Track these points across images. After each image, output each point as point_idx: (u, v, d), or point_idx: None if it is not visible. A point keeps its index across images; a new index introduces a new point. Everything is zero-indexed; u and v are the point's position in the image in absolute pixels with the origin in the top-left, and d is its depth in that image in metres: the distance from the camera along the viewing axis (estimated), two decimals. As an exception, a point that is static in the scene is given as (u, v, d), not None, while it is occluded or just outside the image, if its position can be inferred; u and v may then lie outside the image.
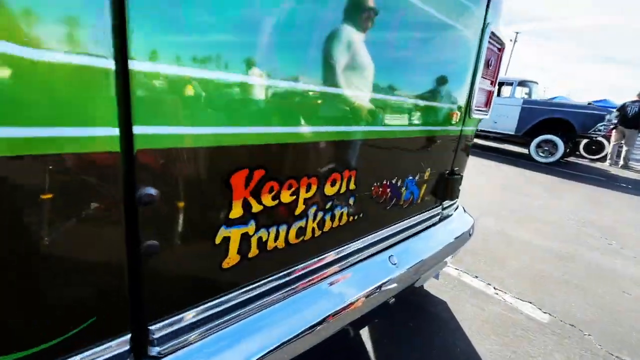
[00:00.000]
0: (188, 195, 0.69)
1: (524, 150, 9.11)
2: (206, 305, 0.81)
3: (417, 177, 1.42)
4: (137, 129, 0.57)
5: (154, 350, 0.75)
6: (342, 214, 1.10)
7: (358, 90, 0.98)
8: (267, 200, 0.85)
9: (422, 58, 1.23)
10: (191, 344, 0.80)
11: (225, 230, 0.78)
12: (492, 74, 1.74)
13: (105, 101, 0.52)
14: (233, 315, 0.87)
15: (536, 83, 8.96)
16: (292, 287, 1.01)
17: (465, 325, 2.05)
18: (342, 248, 1.17)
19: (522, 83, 8.66)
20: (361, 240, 1.25)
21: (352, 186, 1.09)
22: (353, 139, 1.04)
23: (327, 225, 1.07)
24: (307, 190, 0.94)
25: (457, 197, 1.81)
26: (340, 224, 1.12)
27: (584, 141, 9.38)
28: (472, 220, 1.91)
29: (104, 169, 0.56)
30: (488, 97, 1.79)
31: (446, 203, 1.75)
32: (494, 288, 2.51)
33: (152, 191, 0.64)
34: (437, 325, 2.03)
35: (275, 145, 0.83)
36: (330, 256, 1.13)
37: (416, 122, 1.28)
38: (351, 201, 1.12)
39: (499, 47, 1.66)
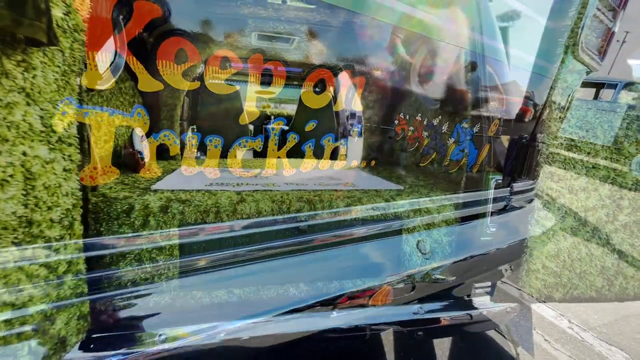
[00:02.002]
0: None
1: (620, 167, 7.65)
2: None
3: (475, 129, 0.92)
4: None
5: None
6: (336, 149, 0.67)
7: None
8: (169, 70, 0.46)
9: None
10: None
11: (76, 109, 0.41)
12: (619, 3, 1.14)
13: None
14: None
15: (650, 87, 7.35)
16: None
17: (523, 363, 1.51)
18: (336, 209, 0.74)
19: (629, 85, 7.14)
20: (373, 204, 0.81)
21: (357, 105, 0.66)
22: (365, 9, 0.59)
23: (308, 161, 0.65)
24: (265, 83, 0.54)
25: (537, 178, 1.25)
26: (334, 166, 0.69)
27: None
28: (554, 219, 1.34)
29: None
30: (605, 39, 1.20)
31: (518, 185, 1.21)
32: (569, 321, 1.88)
33: None
34: (485, 354, 1.49)
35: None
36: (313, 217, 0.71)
37: (489, 30, 0.80)
38: (355, 130, 0.68)
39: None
